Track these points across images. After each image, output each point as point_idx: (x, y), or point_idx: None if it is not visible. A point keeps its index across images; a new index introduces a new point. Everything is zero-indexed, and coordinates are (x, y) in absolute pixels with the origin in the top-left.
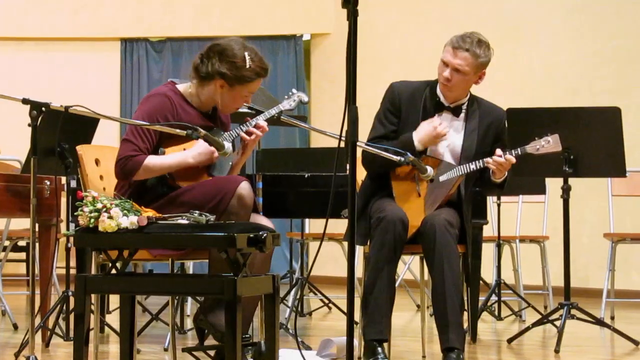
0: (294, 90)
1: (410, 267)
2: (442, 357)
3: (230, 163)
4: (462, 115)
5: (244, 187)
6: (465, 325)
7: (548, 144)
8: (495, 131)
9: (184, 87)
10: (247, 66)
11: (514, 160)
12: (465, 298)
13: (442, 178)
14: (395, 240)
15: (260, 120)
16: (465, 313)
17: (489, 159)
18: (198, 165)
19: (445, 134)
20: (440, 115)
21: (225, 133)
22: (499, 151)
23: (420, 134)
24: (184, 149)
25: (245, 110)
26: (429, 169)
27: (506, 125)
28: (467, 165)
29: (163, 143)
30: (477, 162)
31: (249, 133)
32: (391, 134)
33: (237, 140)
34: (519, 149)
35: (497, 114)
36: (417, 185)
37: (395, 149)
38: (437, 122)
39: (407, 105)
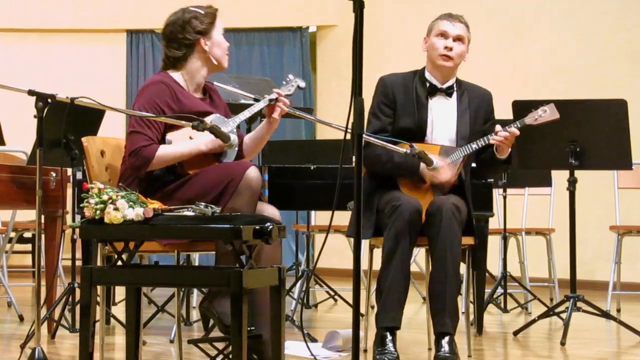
0: (291, 76)
1: (416, 259)
2: (435, 340)
3: (236, 149)
4: (454, 96)
5: (252, 171)
6: (472, 317)
7: (545, 113)
8: (485, 111)
9: (176, 74)
10: (204, 12)
11: (517, 132)
12: (471, 290)
13: (447, 161)
14: (411, 228)
15: (282, 97)
16: (471, 305)
17: (493, 136)
18: (209, 153)
19: (448, 182)
20: (432, 99)
21: (229, 119)
22: (498, 127)
23: (428, 172)
24: (190, 137)
25: (244, 102)
26: (435, 161)
27: (492, 105)
28: (470, 145)
29: (167, 129)
30: (479, 140)
31: (272, 107)
32: (388, 126)
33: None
34: (517, 122)
35: (485, 95)
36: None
37: (399, 141)
38: (448, 172)
39: (400, 94)
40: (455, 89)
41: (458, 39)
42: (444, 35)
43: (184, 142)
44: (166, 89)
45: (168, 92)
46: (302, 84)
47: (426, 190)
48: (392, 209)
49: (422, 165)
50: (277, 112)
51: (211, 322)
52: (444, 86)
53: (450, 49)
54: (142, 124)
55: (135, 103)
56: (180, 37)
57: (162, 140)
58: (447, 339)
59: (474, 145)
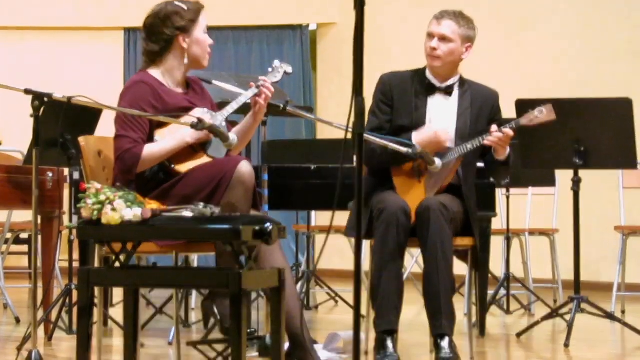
0: (277, 63)
1: (417, 260)
2: (433, 342)
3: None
4: (454, 95)
5: (244, 165)
6: (474, 319)
7: (541, 113)
8: (489, 112)
9: (155, 72)
10: (187, 8)
11: (512, 133)
12: (474, 291)
13: (441, 161)
14: (399, 230)
15: (264, 86)
16: (474, 306)
17: (487, 136)
18: (195, 144)
19: (445, 142)
20: (431, 98)
21: (217, 113)
22: (494, 127)
23: (419, 136)
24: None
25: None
26: (437, 160)
27: (500, 106)
28: (464, 145)
29: (154, 129)
30: (473, 141)
31: (258, 95)
32: (386, 124)
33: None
34: (513, 122)
35: (490, 95)
36: (416, 173)
37: (402, 140)
38: (441, 130)
39: (398, 93)
40: (456, 88)
41: (443, 38)
42: (430, 35)
43: (169, 137)
44: (147, 89)
45: (150, 92)
46: (289, 70)
47: (420, 189)
48: (379, 212)
49: (416, 135)
50: (262, 99)
51: (212, 321)
52: (443, 85)
53: (435, 49)
54: (125, 126)
55: (119, 105)
56: (159, 32)
57: (150, 141)
58: (446, 340)
59: (469, 146)
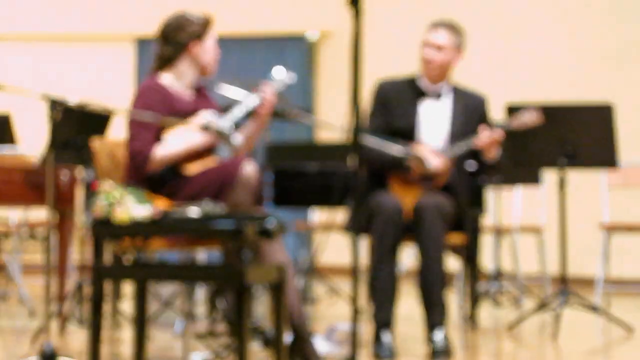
0: (280, 72)
1: (413, 256)
2: (427, 334)
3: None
4: (446, 101)
5: (247, 166)
6: (467, 312)
7: (529, 117)
8: (478, 115)
9: (166, 76)
10: (200, 20)
11: (501, 135)
12: (466, 286)
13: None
14: (395, 228)
15: (267, 91)
16: (466, 300)
17: (478, 138)
18: (204, 147)
19: (434, 171)
20: (423, 103)
21: (225, 117)
22: (484, 129)
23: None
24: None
25: None
26: (431, 163)
27: (488, 109)
28: (457, 147)
29: (163, 130)
30: (465, 142)
31: (260, 105)
32: (381, 128)
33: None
34: (502, 125)
35: (478, 99)
36: (411, 174)
37: (396, 142)
38: (435, 159)
39: (393, 98)
40: (446, 93)
41: (439, 47)
42: (426, 44)
43: (179, 140)
44: (158, 93)
45: (160, 96)
46: (291, 79)
47: (416, 189)
48: (376, 212)
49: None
50: (264, 109)
51: (217, 314)
52: (435, 90)
53: (432, 58)
54: (138, 129)
55: (131, 109)
56: (174, 38)
57: (159, 141)
58: (439, 331)
59: (461, 147)
